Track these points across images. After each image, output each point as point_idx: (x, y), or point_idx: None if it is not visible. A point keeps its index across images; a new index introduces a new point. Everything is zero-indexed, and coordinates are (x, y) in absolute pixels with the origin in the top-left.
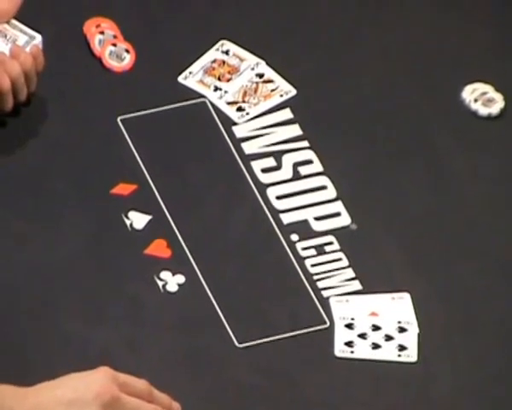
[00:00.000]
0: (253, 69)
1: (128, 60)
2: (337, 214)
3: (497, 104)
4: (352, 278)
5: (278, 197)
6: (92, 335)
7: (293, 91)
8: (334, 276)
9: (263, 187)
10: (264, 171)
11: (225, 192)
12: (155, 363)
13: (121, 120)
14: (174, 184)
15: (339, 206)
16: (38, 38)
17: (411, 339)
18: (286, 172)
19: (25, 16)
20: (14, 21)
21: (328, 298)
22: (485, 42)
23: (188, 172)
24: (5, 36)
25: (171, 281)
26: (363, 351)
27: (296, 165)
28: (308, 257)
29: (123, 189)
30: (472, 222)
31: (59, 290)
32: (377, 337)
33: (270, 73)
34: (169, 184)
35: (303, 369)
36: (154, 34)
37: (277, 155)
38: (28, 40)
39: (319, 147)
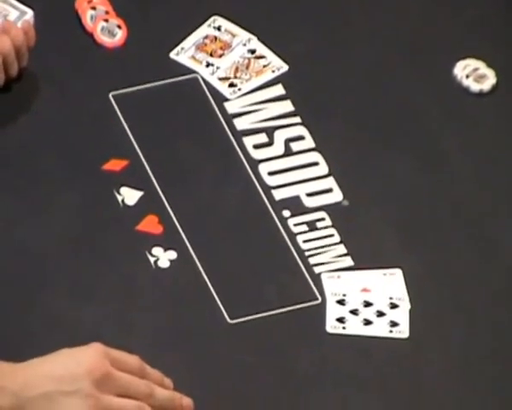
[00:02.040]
0: (244, 45)
1: (120, 35)
2: (329, 190)
3: (489, 80)
4: (344, 254)
5: (270, 173)
6: (83, 312)
7: (285, 67)
8: (325, 252)
9: (255, 163)
10: (256, 147)
11: (217, 168)
12: (147, 339)
13: (113, 96)
14: (166, 159)
15: (331, 182)
16: (30, 13)
17: (403, 315)
18: (278, 148)
19: None
20: None
21: (319, 274)
22: (478, 18)
23: (179, 148)
24: None
25: (163, 257)
26: (354, 327)
27: (288, 141)
28: (300, 233)
29: (114, 165)
30: (463, 198)
31: (49, 268)
32: (369, 313)
33: (261, 48)
34: (161, 160)
35: (294, 345)
36: (146, 10)
37: (269, 131)
38: (19, 15)
39: (311, 123)
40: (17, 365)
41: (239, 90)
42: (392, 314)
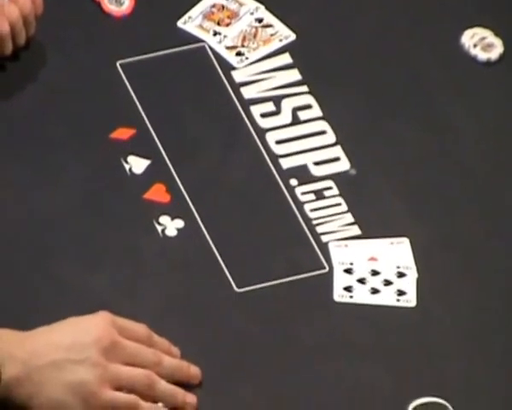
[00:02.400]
0: (252, 14)
1: (127, 4)
2: (336, 159)
3: (497, 49)
4: (351, 223)
5: (277, 142)
6: (91, 280)
7: (293, 36)
8: (333, 221)
9: (262, 132)
10: (264, 115)
11: (224, 137)
12: (154, 308)
13: (120, 65)
14: (173, 128)
15: (338, 151)
16: None
17: (410, 284)
18: (285, 116)
19: None
20: None
21: (327, 243)
22: None
23: (187, 117)
24: None
25: (171, 226)
26: (362, 296)
27: (295, 110)
28: (307, 202)
29: (122, 133)
30: (471, 168)
31: (57, 236)
32: (376, 282)
33: (269, 17)
34: (168, 129)
35: (302, 314)
36: None
37: (276, 100)
38: None
39: (318, 92)
40: (25, 333)
41: (246, 58)
42: (399, 283)
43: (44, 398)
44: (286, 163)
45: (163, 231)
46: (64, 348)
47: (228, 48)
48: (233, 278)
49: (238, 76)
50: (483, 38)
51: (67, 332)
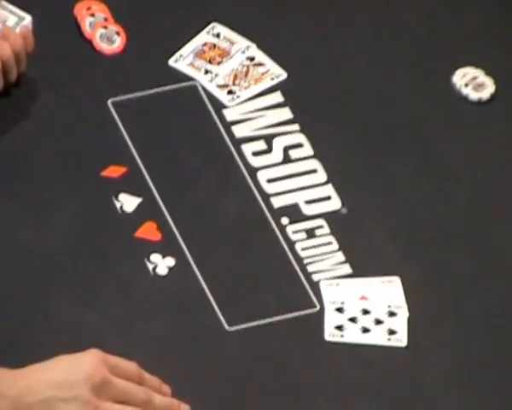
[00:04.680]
0: (243, 52)
1: (119, 42)
2: (327, 198)
3: (488, 89)
4: (343, 262)
5: (269, 181)
6: (82, 318)
7: (284, 75)
8: (324, 260)
9: (253, 170)
10: (255, 154)
11: (216, 175)
12: (145, 346)
13: (112, 103)
14: (164, 166)
15: (329, 190)
16: (28, 18)
17: (401, 323)
18: (276, 155)
19: None
20: (3, 3)
21: (318, 282)
22: (476, 26)
23: (178, 155)
24: None
25: (162, 264)
26: (352, 335)
27: (287, 148)
28: (298, 241)
29: (113, 171)
30: (463, 207)
31: (48, 273)
32: (367, 321)
33: (260, 56)
34: (159, 167)
35: (293, 353)
36: (145, 17)
37: (268, 139)
38: (18, 21)
39: (310, 130)
40: (17, 371)
41: (237, 97)
42: (390, 322)
43: None
44: (277, 202)
45: (154, 269)
46: (55, 385)
47: (219, 86)
48: (224, 317)
49: (229, 114)
50: (474, 78)
51: (59, 370)
